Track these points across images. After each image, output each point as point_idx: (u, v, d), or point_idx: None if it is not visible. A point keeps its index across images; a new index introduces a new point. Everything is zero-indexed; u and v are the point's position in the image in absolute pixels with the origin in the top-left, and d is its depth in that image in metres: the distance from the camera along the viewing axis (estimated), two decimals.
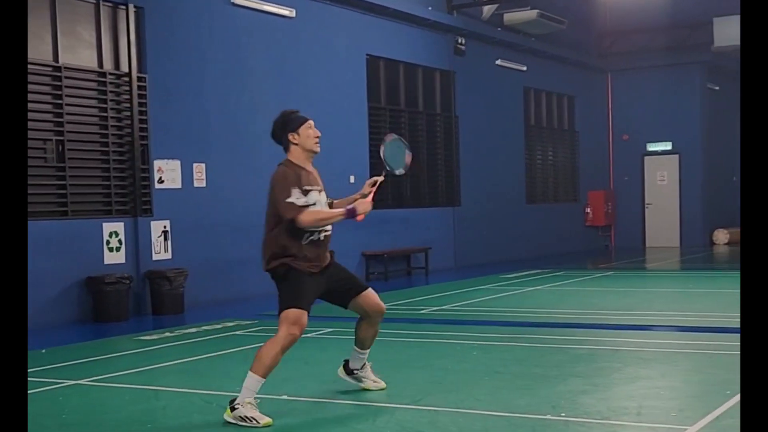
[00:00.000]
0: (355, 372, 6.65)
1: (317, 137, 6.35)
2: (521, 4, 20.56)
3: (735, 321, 9.81)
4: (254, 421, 5.69)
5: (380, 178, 6.39)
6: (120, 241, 12.12)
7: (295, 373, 7.48)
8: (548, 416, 5.68)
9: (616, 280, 15.53)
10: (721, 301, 11.98)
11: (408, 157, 6.70)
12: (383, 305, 6.55)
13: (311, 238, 6.06)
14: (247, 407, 5.74)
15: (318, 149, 6.35)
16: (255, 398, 5.81)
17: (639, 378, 6.87)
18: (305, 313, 6.01)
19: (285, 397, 6.50)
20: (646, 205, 25.54)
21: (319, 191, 6.24)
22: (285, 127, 6.36)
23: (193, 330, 10.37)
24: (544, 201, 23.35)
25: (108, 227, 12.02)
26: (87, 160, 11.97)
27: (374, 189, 6.33)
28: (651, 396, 6.20)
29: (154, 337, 9.99)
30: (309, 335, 9.65)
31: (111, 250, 12.00)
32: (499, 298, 12.98)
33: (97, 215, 12.02)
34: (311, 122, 6.38)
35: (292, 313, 5.95)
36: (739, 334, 8.78)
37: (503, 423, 5.56)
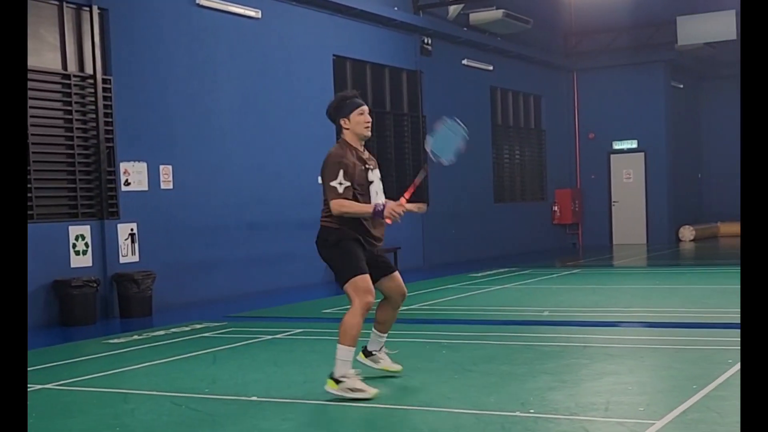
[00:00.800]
0: (374, 353, 6.92)
1: (368, 123, 6.56)
2: (486, 4, 20.64)
3: (701, 316, 9.93)
4: (363, 393, 6.08)
5: (420, 177, 6.58)
6: (87, 245, 12.03)
7: (265, 374, 7.46)
8: (517, 413, 5.71)
9: (583, 277, 15.64)
10: (687, 297, 12.10)
11: (462, 143, 6.93)
12: (405, 289, 6.83)
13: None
14: (353, 379, 6.12)
15: (368, 133, 6.59)
16: (357, 370, 6.19)
17: (607, 374, 6.93)
18: (369, 277, 6.24)
19: (254, 398, 6.48)
20: (612, 203, 25.73)
21: (373, 168, 6.57)
22: (337, 112, 6.62)
23: (162, 332, 10.32)
24: (512, 200, 23.46)
25: (74, 230, 11.93)
26: (52, 162, 11.87)
27: (411, 189, 6.46)
28: (619, 391, 6.26)
29: (122, 340, 9.93)
30: (278, 336, 9.64)
31: (78, 253, 11.91)
32: (468, 297, 13.03)
33: (63, 218, 11.92)
34: (364, 108, 6.59)
35: (359, 280, 6.20)
36: (704, 329, 8.90)
37: (473, 421, 5.58)
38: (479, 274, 16.49)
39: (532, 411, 5.75)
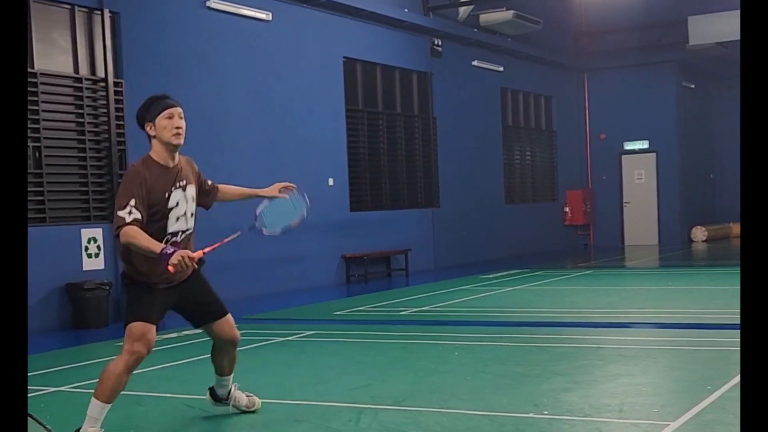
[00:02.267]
0: (224, 401, 6.07)
1: (177, 129, 5.62)
2: (497, 4, 20.63)
3: (714, 317, 9.88)
4: None
5: (232, 237, 5.65)
6: (99, 247, 12.06)
7: (276, 377, 7.46)
8: (531, 414, 5.69)
9: (595, 278, 15.60)
10: (700, 297, 12.06)
11: (297, 220, 6.01)
12: (237, 335, 5.91)
13: (173, 239, 5.48)
14: None
15: (177, 141, 5.62)
16: (101, 429, 5.33)
17: (620, 375, 6.90)
18: (152, 327, 5.36)
19: (267, 400, 6.47)
20: (624, 204, 25.66)
21: (184, 187, 5.59)
22: (144, 115, 5.72)
23: (174, 335, 10.32)
24: (523, 201, 23.42)
25: (86, 233, 11.95)
26: (64, 166, 11.90)
27: (217, 245, 5.51)
28: (633, 393, 6.23)
29: None
30: (289, 338, 9.64)
31: (90, 256, 11.94)
32: (480, 299, 13.00)
33: (76, 221, 11.95)
34: (174, 110, 5.70)
35: (133, 326, 5.30)
36: (717, 330, 8.86)
37: (486, 422, 5.57)
38: (490, 276, 16.47)
39: (546, 412, 5.73)
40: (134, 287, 5.41)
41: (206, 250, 5.36)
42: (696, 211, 26.08)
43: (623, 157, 25.62)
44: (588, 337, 9.00)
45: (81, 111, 12.08)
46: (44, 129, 11.54)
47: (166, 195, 5.43)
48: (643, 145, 25.32)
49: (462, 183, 20.27)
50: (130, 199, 5.28)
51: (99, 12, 12.31)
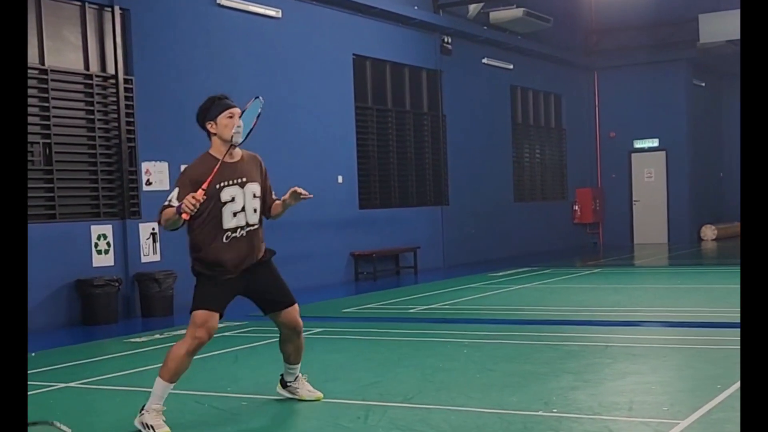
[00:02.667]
0: (289, 384, 6.36)
1: (238, 127, 5.86)
2: (507, 2, 20.60)
3: (724, 316, 9.86)
4: (152, 430, 5.54)
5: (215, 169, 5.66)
6: (108, 244, 12.09)
7: None
8: (540, 412, 5.69)
9: (604, 277, 15.57)
10: (710, 296, 12.03)
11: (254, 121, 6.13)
12: (300, 324, 6.14)
13: (233, 235, 5.75)
14: (152, 415, 5.60)
15: (238, 139, 5.82)
16: (162, 407, 5.65)
17: (629, 373, 6.89)
18: (215, 315, 5.75)
19: (276, 397, 6.48)
20: (633, 202, 25.60)
21: (242, 184, 5.80)
22: (204, 115, 6.01)
23: (183, 332, 10.29)
24: (532, 199, 23.39)
25: (96, 230, 11.98)
26: (74, 162, 11.93)
27: (209, 179, 5.58)
28: (642, 391, 6.22)
29: (144, 339, 9.96)
30: None
31: (99, 252, 11.97)
32: (489, 297, 13.00)
33: (85, 218, 11.98)
34: (235, 110, 5.97)
35: (197, 315, 5.73)
36: (727, 329, 8.83)
37: (495, 420, 5.56)
38: (499, 274, 16.45)
39: (555, 410, 5.73)
40: (202, 279, 5.80)
41: (204, 187, 5.52)
42: (706, 210, 26.02)
43: (633, 155, 25.56)
44: (597, 335, 8.99)
45: (91, 108, 12.11)
46: (54, 126, 11.57)
47: (218, 187, 5.65)
48: (653, 143, 25.26)
49: (471, 181, 20.25)
50: (174, 191, 5.67)
51: (109, 9, 12.33)
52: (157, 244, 12.70)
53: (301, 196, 5.89)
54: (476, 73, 20.68)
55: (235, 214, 5.73)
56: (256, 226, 5.86)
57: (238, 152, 5.91)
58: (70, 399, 6.87)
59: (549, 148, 24.39)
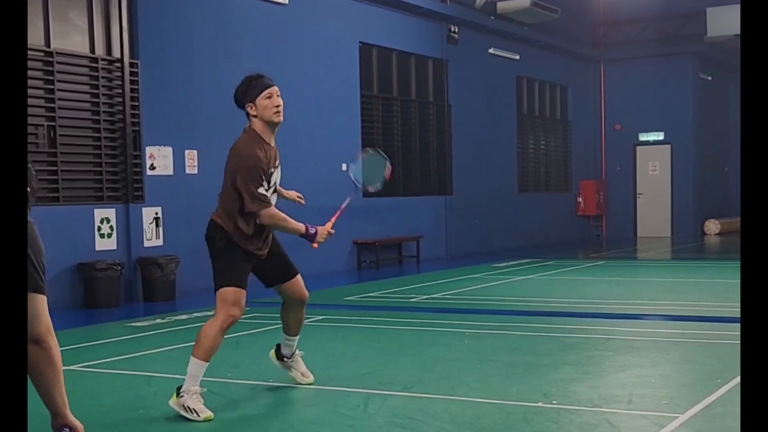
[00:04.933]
0: (285, 359, 6.41)
1: (278, 107, 5.87)
2: None
3: (725, 310, 9.85)
4: (195, 414, 5.51)
5: (346, 203, 6.22)
6: (111, 228, 12.09)
7: None
8: (540, 404, 5.69)
9: (607, 269, 15.56)
10: (712, 290, 12.01)
11: (387, 171, 6.55)
12: (306, 294, 6.31)
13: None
14: (193, 398, 5.57)
15: (279, 119, 5.88)
16: (202, 389, 5.65)
17: (630, 366, 6.89)
18: (244, 292, 5.81)
19: (277, 383, 6.49)
20: (637, 195, 25.58)
21: (276, 168, 5.97)
22: (243, 96, 5.96)
23: (185, 317, 10.36)
24: (536, 190, 23.37)
25: (99, 213, 11.99)
26: (79, 146, 11.93)
27: (338, 213, 6.10)
28: (642, 384, 6.22)
29: (146, 323, 9.98)
30: None
31: (102, 236, 11.98)
32: (491, 287, 13.00)
33: (89, 201, 11.98)
34: (273, 89, 5.94)
35: (230, 292, 5.72)
36: (728, 323, 8.83)
37: (495, 410, 5.57)
38: (502, 265, 16.45)
39: (554, 402, 5.73)
40: (230, 252, 5.75)
41: (332, 221, 6.08)
42: (710, 204, 25.98)
43: (638, 148, 25.53)
44: (599, 327, 8.99)
45: (96, 91, 12.10)
46: (59, 108, 11.57)
47: (271, 171, 5.82)
48: (658, 136, 25.22)
49: (475, 171, 20.23)
50: (262, 175, 5.70)
51: None
52: (160, 229, 12.71)
53: (297, 200, 6.37)
54: (482, 63, 20.63)
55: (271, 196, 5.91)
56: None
57: (274, 136, 6.00)
58: (71, 382, 6.85)
59: (554, 140, 24.36)
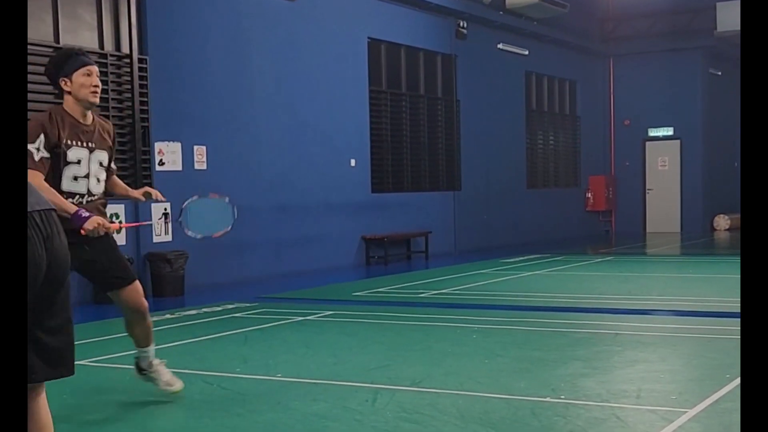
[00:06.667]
0: (144, 372, 5.98)
1: (95, 87, 5.36)
2: None
3: (734, 306, 9.82)
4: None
5: (147, 223, 5.73)
6: (120, 223, 12.11)
7: (295, 356, 7.49)
8: (548, 399, 5.69)
9: (616, 265, 15.54)
10: (721, 286, 11.99)
11: (220, 234, 6.18)
12: (145, 303, 5.73)
13: (71, 200, 5.29)
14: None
15: (94, 100, 5.38)
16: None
17: (638, 361, 6.89)
18: None
19: (285, 379, 6.50)
20: (646, 191, 25.53)
21: (90, 150, 5.40)
22: (57, 70, 5.36)
23: (194, 312, 10.39)
24: (545, 186, 23.35)
25: (109, 209, 11.93)
26: None
27: (133, 224, 5.65)
28: (650, 379, 6.22)
29: (155, 318, 9.90)
30: (309, 318, 9.67)
31: None
32: (499, 283, 12.99)
33: None
34: (92, 68, 5.40)
35: None
36: (738, 319, 8.81)
37: (503, 405, 5.57)
38: (511, 260, 16.44)
39: (562, 397, 5.73)
40: None
41: (123, 225, 5.36)
42: (719, 200, 25.91)
43: (647, 143, 25.47)
44: (607, 323, 8.98)
45: (105, 87, 12.10)
46: None
47: (65, 143, 5.25)
48: (668, 131, 25.16)
49: (484, 166, 20.22)
50: (39, 136, 5.14)
51: None
52: (169, 224, 12.73)
53: (153, 198, 5.84)
54: (491, 59, 20.61)
55: (75, 178, 5.35)
56: (96, 199, 5.50)
57: (90, 115, 5.49)
58: (80, 377, 6.88)
59: (563, 135, 24.32)
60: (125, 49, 12.33)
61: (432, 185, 18.82)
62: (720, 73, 26.13)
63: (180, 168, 13.00)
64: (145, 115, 12.52)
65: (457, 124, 19.39)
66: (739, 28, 22.31)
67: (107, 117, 12.05)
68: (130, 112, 12.33)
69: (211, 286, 13.00)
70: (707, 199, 25.16)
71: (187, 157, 13.12)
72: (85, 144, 5.38)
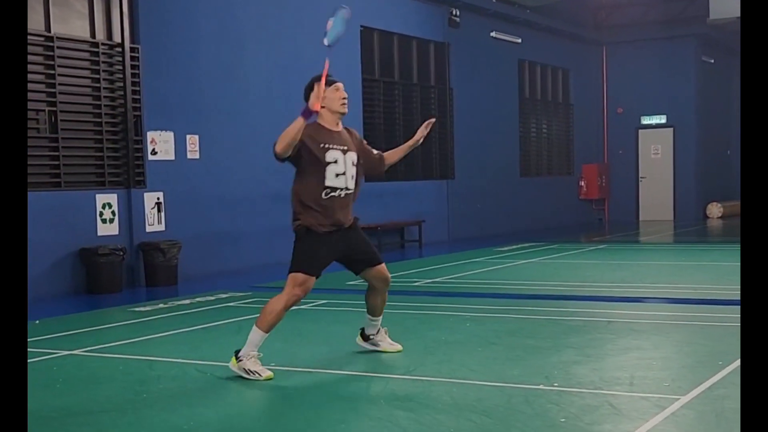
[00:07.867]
0: (371, 337, 6.97)
1: (344, 99, 6.72)
2: None
3: (727, 293, 9.85)
4: (256, 374, 6.09)
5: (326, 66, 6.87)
6: (113, 213, 12.10)
7: (289, 344, 7.49)
8: (541, 386, 5.70)
9: (609, 253, 15.56)
10: (714, 273, 12.02)
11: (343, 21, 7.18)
12: (389, 276, 6.73)
13: (331, 194, 6.30)
14: (251, 361, 6.13)
15: (345, 110, 6.70)
16: (259, 353, 6.19)
17: (631, 349, 6.90)
18: (313, 278, 6.23)
19: (279, 367, 6.50)
20: (640, 179, 25.56)
21: (344, 151, 6.44)
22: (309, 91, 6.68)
23: (187, 301, 10.38)
24: (538, 174, 23.35)
25: (101, 198, 11.99)
26: (80, 131, 11.92)
27: (325, 71, 6.88)
28: (643, 366, 6.23)
29: (148, 308, 9.99)
30: (303, 307, 9.65)
31: (104, 221, 11.98)
32: (493, 271, 13.00)
33: (91, 186, 11.98)
34: (339, 84, 6.85)
35: (299, 276, 6.16)
36: (730, 306, 8.83)
37: (496, 393, 5.58)
38: (504, 248, 16.45)
39: (556, 384, 5.74)
40: (306, 238, 6.25)
41: (323, 77, 6.77)
42: (712, 188, 25.95)
43: (640, 131, 25.48)
44: (600, 311, 8.99)
45: (97, 76, 12.08)
46: (60, 94, 11.55)
47: (323, 146, 6.33)
48: (661, 119, 25.17)
49: (477, 155, 20.21)
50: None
51: None
52: (162, 214, 12.71)
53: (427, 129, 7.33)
54: (484, 47, 20.58)
55: (336, 175, 6.35)
56: (351, 192, 6.49)
57: (340, 123, 6.68)
58: (74, 366, 6.89)
59: (556, 123, 24.32)
60: (117, 38, 12.28)
61: (425, 174, 18.81)
62: (713, 61, 26.14)
63: (173, 157, 12.97)
64: (138, 105, 12.48)
65: (450, 112, 19.36)
66: (732, 15, 22.32)
67: (99, 106, 12.03)
68: (122, 101, 12.29)
69: (204, 275, 12.99)
70: (700, 187, 25.19)
71: (180, 146, 13.09)
72: (338, 147, 6.47)
